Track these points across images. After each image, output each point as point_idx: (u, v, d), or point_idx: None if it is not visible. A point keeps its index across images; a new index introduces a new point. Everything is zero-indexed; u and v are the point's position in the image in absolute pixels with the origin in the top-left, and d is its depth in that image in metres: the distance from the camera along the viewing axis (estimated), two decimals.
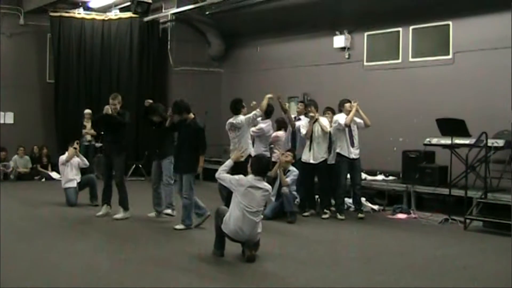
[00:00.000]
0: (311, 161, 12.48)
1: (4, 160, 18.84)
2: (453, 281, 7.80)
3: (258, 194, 8.47)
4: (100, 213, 11.98)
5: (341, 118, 12.42)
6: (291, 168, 12.27)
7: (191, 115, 11.16)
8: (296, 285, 7.43)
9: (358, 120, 12.55)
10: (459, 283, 7.71)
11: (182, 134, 11.15)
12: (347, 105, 12.46)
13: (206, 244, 9.04)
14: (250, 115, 11.53)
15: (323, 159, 12.48)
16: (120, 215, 11.74)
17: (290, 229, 11.19)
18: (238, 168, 9.45)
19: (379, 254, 9.30)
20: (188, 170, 10.82)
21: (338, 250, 9.52)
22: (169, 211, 11.97)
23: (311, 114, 12.48)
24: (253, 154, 11.57)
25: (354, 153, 12.41)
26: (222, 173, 8.91)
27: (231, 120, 11.57)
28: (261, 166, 8.74)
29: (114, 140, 11.96)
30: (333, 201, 12.87)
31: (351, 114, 12.31)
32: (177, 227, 10.79)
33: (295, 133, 13.18)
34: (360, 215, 12.43)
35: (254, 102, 12.28)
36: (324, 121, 12.52)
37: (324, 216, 12.43)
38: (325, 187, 12.71)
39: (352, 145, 12.40)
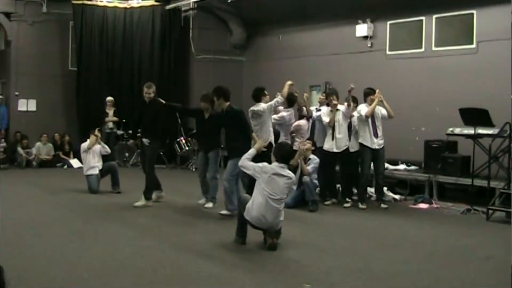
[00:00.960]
0: (334, 150, 12.46)
1: (27, 147, 18.95)
2: (475, 271, 7.76)
3: (281, 181, 8.48)
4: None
5: (363, 108, 12.36)
6: (312, 156, 12.26)
7: (227, 103, 11.25)
8: (318, 273, 7.41)
9: (383, 111, 12.47)
10: (481, 273, 7.67)
11: (227, 123, 11.33)
12: (371, 96, 12.37)
13: (228, 232, 9.06)
14: (272, 102, 11.51)
15: (346, 147, 12.45)
16: (139, 202, 11.79)
17: (311, 218, 11.17)
18: (260, 157, 9.44)
19: (400, 244, 9.27)
20: (234, 155, 10.80)
21: (360, 239, 9.48)
22: (210, 205, 11.79)
23: (334, 102, 12.44)
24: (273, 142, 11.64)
25: (377, 143, 12.34)
26: (246, 161, 8.91)
27: (253, 107, 11.56)
28: (284, 153, 8.75)
29: (150, 128, 12.06)
30: (355, 190, 12.85)
31: (373, 106, 12.21)
32: (222, 212, 10.92)
33: (314, 122, 13.16)
34: (382, 205, 12.39)
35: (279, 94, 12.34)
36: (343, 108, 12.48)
37: (346, 205, 12.40)
38: (347, 175, 12.69)
39: (376, 135, 12.32)
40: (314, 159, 12.22)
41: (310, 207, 11.85)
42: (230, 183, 10.89)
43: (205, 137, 12.00)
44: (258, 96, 11.70)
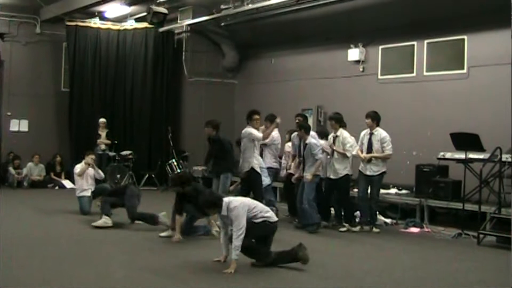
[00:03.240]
0: (331, 176, 12.53)
1: (18, 167, 18.92)
2: None
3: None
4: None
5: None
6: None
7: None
8: None
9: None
10: None
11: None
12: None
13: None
14: (254, 134, 11.85)
15: (342, 174, 12.51)
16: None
17: (302, 241, 11.15)
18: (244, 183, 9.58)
19: (391, 268, 9.29)
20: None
21: (351, 263, 9.49)
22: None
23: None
24: (255, 167, 11.98)
25: (370, 169, 12.36)
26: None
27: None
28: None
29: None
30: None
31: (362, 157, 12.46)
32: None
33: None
34: (374, 229, 12.41)
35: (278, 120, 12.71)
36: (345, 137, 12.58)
37: (342, 229, 12.46)
38: (344, 200, 12.80)
39: (369, 161, 12.36)
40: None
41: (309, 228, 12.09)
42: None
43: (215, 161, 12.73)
44: (247, 118, 11.92)
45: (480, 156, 12.29)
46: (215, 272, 8.37)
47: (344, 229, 12.43)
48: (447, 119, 14.43)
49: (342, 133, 12.51)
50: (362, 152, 12.46)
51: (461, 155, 12.57)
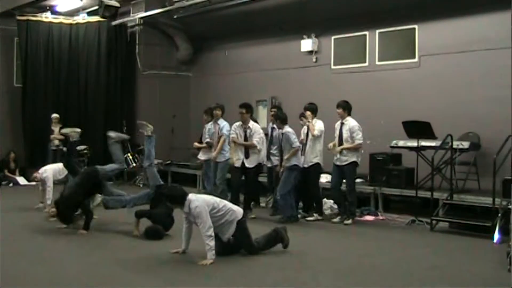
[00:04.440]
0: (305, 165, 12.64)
1: None
2: (420, 281, 7.92)
3: None
4: None
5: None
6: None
7: None
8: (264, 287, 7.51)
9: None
10: (426, 283, 7.83)
11: None
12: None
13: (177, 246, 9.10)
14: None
15: (312, 163, 12.63)
16: None
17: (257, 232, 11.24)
18: None
19: (346, 255, 9.40)
20: None
21: (305, 252, 9.55)
22: None
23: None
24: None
25: (339, 160, 12.34)
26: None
27: None
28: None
29: None
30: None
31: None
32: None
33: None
34: (346, 221, 12.41)
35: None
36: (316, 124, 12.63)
37: (309, 218, 12.64)
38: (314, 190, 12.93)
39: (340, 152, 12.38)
40: None
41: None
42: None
43: None
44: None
45: (432, 143, 12.44)
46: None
47: (312, 218, 12.61)
48: (400, 108, 14.59)
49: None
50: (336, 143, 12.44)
51: (414, 143, 12.71)
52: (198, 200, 8.74)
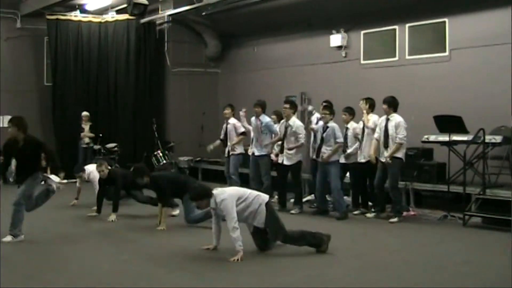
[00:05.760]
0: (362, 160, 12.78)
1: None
2: (452, 277, 7.84)
3: None
4: None
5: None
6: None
7: None
8: (294, 283, 7.47)
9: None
10: (459, 279, 7.74)
11: None
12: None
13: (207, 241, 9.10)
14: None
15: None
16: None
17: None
18: None
19: (377, 251, 9.34)
20: None
21: (336, 247, 9.47)
22: None
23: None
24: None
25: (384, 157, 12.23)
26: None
27: None
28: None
29: None
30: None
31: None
32: None
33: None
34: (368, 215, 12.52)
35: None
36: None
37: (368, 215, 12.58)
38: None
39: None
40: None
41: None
42: None
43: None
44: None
45: (464, 138, 12.31)
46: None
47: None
48: (430, 102, 14.44)
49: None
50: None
51: (445, 138, 12.60)
52: (223, 194, 8.79)
